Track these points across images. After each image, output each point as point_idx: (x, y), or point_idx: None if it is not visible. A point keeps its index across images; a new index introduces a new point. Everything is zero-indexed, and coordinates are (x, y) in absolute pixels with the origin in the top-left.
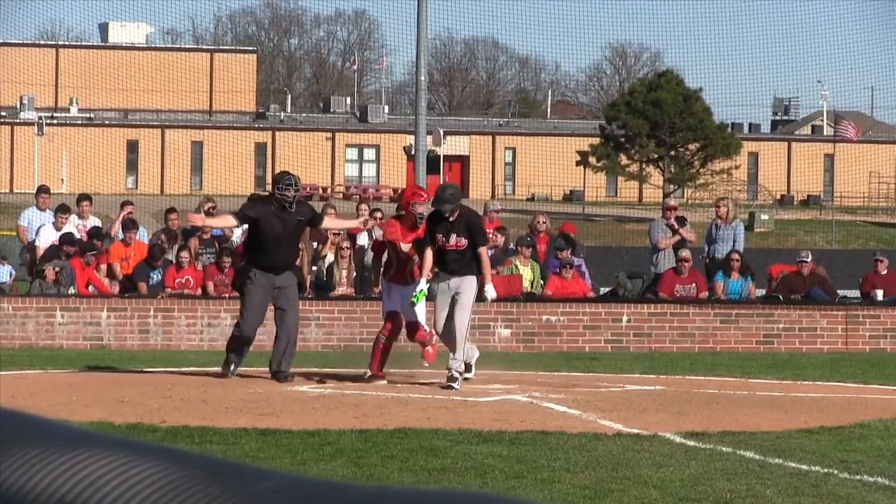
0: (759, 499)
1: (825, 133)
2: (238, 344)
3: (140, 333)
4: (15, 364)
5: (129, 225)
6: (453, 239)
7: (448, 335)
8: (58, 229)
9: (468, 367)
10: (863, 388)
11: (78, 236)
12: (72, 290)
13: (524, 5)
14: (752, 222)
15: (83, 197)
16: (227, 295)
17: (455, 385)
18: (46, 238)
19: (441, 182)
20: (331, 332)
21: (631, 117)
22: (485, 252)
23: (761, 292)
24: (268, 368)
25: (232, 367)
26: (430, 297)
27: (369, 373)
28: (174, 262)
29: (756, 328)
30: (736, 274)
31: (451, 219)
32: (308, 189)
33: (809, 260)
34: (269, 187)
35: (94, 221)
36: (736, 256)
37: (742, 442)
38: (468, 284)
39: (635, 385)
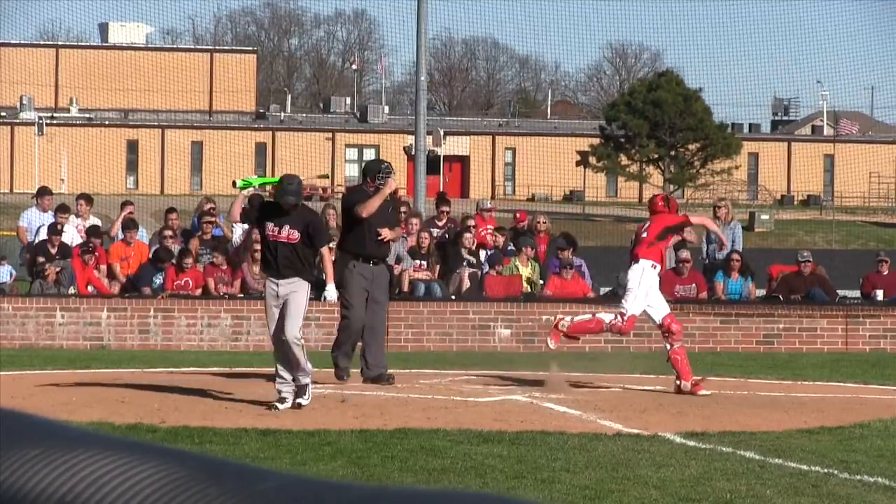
0: (759, 499)
1: (825, 133)
2: (347, 338)
3: (140, 333)
4: (15, 364)
5: (130, 225)
6: (286, 231)
7: (280, 349)
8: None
9: (303, 390)
10: (863, 388)
11: (78, 236)
12: (72, 290)
13: (524, 5)
14: (752, 222)
15: (81, 197)
16: (227, 295)
17: (280, 406)
18: None
19: (443, 181)
20: (330, 332)
21: (631, 117)
22: (327, 252)
23: (761, 292)
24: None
25: (343, 368)
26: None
27: (688, 385)
28: (175, 264)
29: (756, 328)
30: (736, 274)
31: (288, 211)
32: (308, 189)
33: (810, 260)
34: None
35: (93, 221)
36: (736, 257)
37: (742, 442)
38: (298, 290)
39: (635, 385)
